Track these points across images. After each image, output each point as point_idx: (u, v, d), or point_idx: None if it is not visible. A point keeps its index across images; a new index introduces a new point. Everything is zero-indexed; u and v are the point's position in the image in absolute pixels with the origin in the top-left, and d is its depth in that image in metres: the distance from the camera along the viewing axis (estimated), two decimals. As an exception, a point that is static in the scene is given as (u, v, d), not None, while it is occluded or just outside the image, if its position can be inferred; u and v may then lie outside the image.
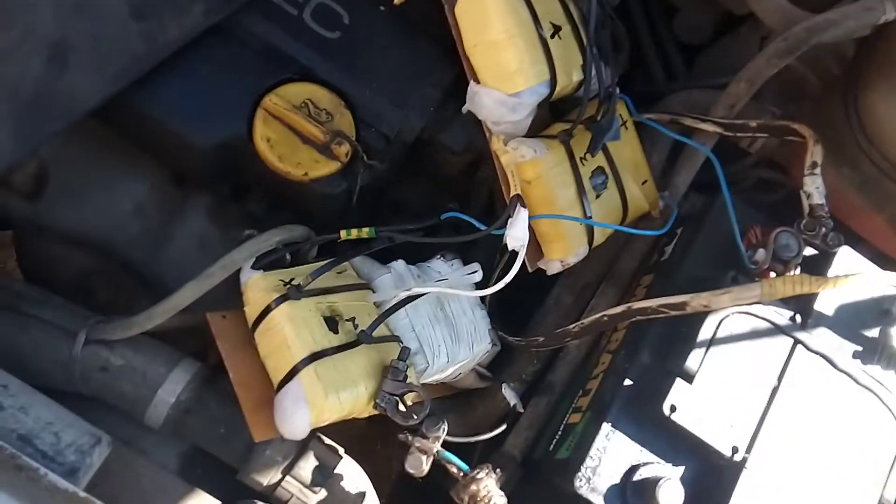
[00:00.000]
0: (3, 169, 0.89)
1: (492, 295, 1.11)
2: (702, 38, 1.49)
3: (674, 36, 1.51)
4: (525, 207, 0.89)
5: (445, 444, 1.06)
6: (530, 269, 1.05)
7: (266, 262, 0.97)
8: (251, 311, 0.94)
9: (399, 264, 1.05)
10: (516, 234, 0.88)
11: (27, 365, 0.95)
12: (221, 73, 1.01)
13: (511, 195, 0.90)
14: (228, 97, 1.01)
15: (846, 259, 1.00)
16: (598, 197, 1.03)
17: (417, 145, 1.12)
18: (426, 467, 0.88)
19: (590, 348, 1.12)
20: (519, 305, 1.18)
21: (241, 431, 0.93)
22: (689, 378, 0.91)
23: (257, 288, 0.94)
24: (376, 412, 0.92)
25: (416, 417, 0.88)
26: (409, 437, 0.89)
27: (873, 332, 1.00)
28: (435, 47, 1.09)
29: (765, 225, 1.00)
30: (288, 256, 1.01)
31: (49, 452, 0.82)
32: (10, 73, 0.90)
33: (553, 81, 0.99)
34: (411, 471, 0.88)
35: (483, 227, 0.93)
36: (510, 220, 0.90)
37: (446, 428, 0.89)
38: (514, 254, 0.92)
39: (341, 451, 0.98)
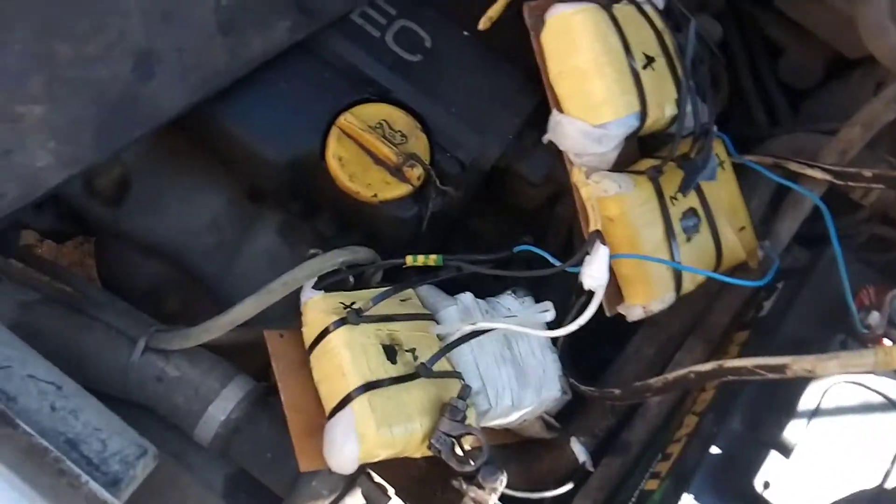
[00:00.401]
0: (82, 169, 0.89)
1: (565, 339, 1.07)
2: (809, 82, 1.41)
3: (777, 78, 1.43)
4: (605, 244, 0.82)
5: (504, 498, 0.99)
6: (608, 314, 0.98)
7: (328, 283, 0.94)
8: (309, 333, 0.90)
9: (467, 297, 1.00)
10: (594, 273, 0.82)
11: (86, 368, 0.94)
12: (300, 90, 1.00)
13: (590, 231, 0.84)
14: (305, 114, 0.99)
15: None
16: (688, 240, 0.96)
17: (495, 174, 1.07)
18: (479, 519, 0.81)
19: (672, 407, 1.03)
20: (595, 354, 1.11)
21: (288, 458, 0.88)
22: (786, 451, 0.81)
23: (317, 309, 0.90)
24: (431, 453, 0.86)
25: (472, 464, 0.82)
26: (464, 485, 0.82)
27: None
28: (518, 75, 1.05)
29: (879, 285, 0.90)
30: (351, 279, 0.97)
31: (94, 459, 0.80)
32: (98, 76, 0.91)
33: (643, 114, 0.93)
34: (464, 524, 0.81)
35: (558, 263, 0.86)
36: (588, 257, 0.84)
37: (505, 480, 0.82)
38: (591, 294, 0.85)
39: (391, 491, 0.92)
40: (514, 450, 1.09)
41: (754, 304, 1.03)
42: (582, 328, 1.10)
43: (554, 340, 1.05)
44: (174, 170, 1.14)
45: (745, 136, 1.18)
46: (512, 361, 0.99)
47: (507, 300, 1.04)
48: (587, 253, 0.83)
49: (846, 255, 0.94)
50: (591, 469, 0.98)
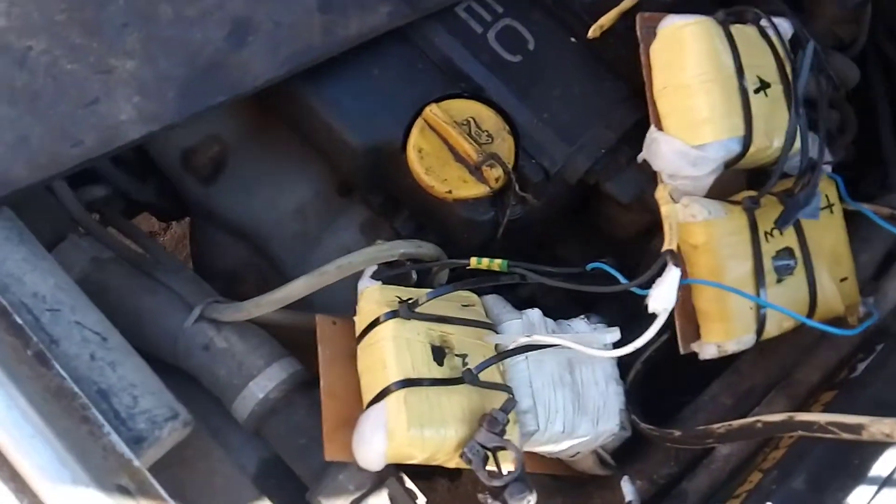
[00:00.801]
0: (161, 127, 0.90)
1: (639, 376, 1.00)
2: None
3: None
4: (678, 266, 0.76)
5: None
6: (682, 350, 0.92)
7: (389, 276, 0.91)
8: (360, 322, 0.88)
9: (534, 313, 0.95)
10: (660, 296, 0.75)
11: (142, 328, 0.94)
12: (392, 77, 0.98)
13: (664, 249, 0.77)
14: (393, 102, 0.97)
15: None
16: (778, 281, 0.88)
17: (585, 194, 1.02)
18: (501, 539, 0.76)
19: (742, 462, 0.94)
20: (674, 398, 1.03)
21: (321, 448, 0.85)
22: (847, 519, 0.72)
23: (371, 299, 0.88)
24: (464, 464, 0.81)
25: (502, 479, 0.76)
26: (489, 500, 0.77)
27: None
28: (622, 89, 1.00)
29: None
30: (414, 275, 0.94)
31: (122, 413, 0.80)
32: (192, 39, 0.92)
33: (747, 140, 0.86)
34: (484, 540, 0.76)
35: (625, 281, 0.80)
36: (659, 279, 0.77)
37: (534, 500, 0.77)
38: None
39: (422, 499, 0.87)
40: (565, 483, 1.03)
41: (849, 365, 0.94)
42: (663, 369, 1.05)
43: (621, 373, 0.98)
44: (269, 155, 1.15)
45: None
46: (571, 386, 0.93)
47: (579, 324, 0.98)
48: (658, 273, 0.76)
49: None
50: (639, 512, 0.90)
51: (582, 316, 0.99)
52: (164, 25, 0.91)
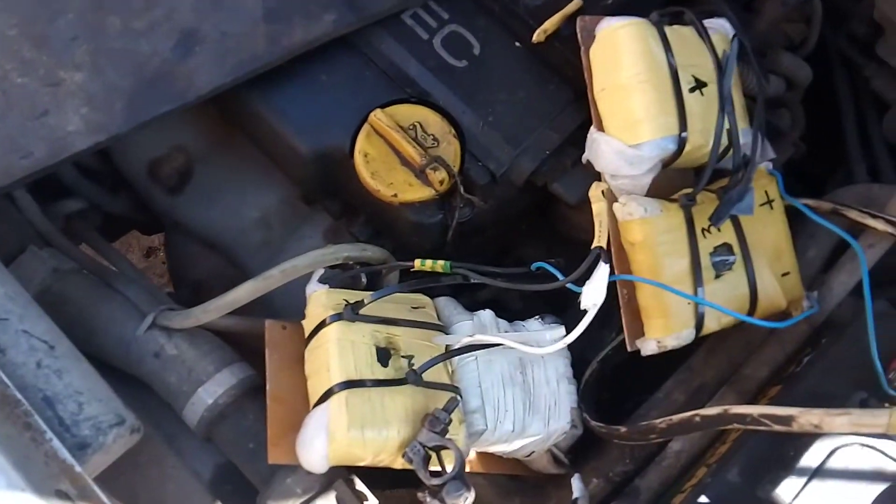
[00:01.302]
0: (107, 138, 0.91)
1: (594, 375, 1.01)
2: (913, 142, 1.29)
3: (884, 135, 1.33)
4: (607, 263, 0.77)
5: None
6: (629, 348, 0.92)
7: (338, 280, 0.92)
8: (307, 326, 0.89)
9: (486, 314, 0.96)
10: (590, 292, 0.77)
11: (97, 337, 0.95)
12: (339, 84, 1.00)
13: (594, 246, 0.79)
14: (340, 108, 0.99)
15: None
16: (717, 277, 0.89)
17: (536, 195, 1.03)
18: (436, 536, 0.77)
19: (693, 458, 0.95)
20: (635, 397, 1.04)
21: (270, 451, 0.86)
22: (776, 509, 0.73)
23: (318, 303, 0.89)
24: (407, 464, 0.82)
25: (440, 478, 0.77)
26: (428, 499, 0.78)
27: None
28: (566, 91, 1.01)
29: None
30: (364, 279, 0.95)
31: (66, 420, 0.81)
32: (140, 50, 0.94)
33: (682, 138, 0.87)
34: (417, 536, 0.77)
35: (562, 278, 0.82)
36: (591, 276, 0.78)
37: (471, 498, 0.78)
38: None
39: (372, 501, 0.88)
40: (523, 483, 1.04)
41: (796, 360, 0.94)
42: (627, 368, 1.06)
43: (576, 375, 0.99)
44: (234, 164, 1.16)
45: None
46: (522, 387, 0.94)
47: (533, 325, 0.99)
48: (590, 270, 0.77)
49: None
50: (586, 510, 0.91)
51: (536, 317, 1.00)
52: (113, 38, 0.93)
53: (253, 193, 1.15)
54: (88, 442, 0.80)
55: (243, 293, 0.90)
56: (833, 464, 0.75)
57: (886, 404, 0.77)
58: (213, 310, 0.91)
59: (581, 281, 0.81)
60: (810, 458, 0.75)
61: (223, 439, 0.91)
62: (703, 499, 0.78)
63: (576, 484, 0.92)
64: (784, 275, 0.92)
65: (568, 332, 0.86)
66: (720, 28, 0.95)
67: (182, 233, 1.22)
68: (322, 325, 0.87)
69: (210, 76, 0.94)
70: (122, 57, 0.93)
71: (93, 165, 1.18)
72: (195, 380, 0.90)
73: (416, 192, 0.95)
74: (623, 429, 0.91)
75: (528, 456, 0.99)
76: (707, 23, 0.93)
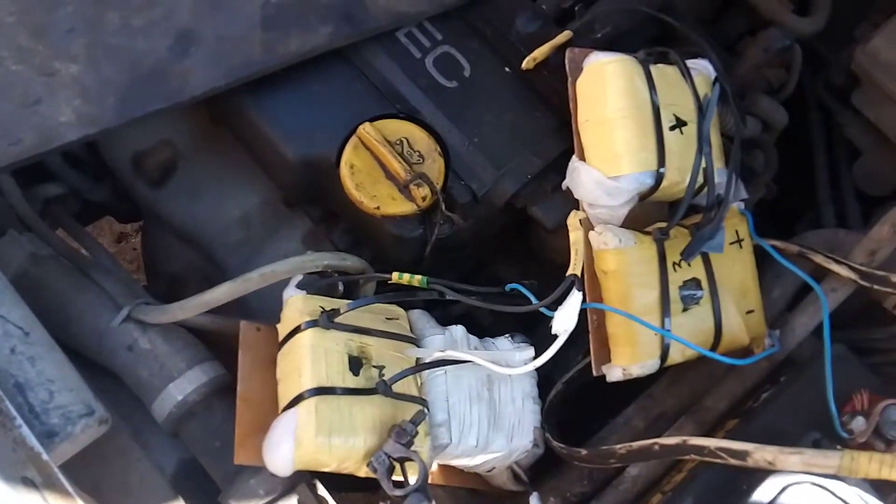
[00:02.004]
0: (98, 131, 0.92)
1: (559, 397, 1.03)
2: (882, 190, 1.33)
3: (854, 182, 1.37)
4: (580, 291, 0.79)
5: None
6: (595, 373, 0.95)
7: (316, 286, 0.93)
8: (282, 330, 0.90)
9: (458, 329, 0.98)
10: (562, 318, 0.79)
11: (71, 326, 0.96)
12: (330, 95, 1.02)
13: (568, 273, 0.81)
14: (330, 119, 1.00)
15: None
16: (684, 310, 0.91)
17: (516, 217, 1.05)
18: (395, 546, 0.78)
19: (650, 484, 0.98)
20: (602, 421, 1.07)
21: (236, 451, 0.87)
22: (726, 541, 0.76)
23: (294, 308, 0.90)
24: (371, 473, 0.84)
25: (403, 490, 0.79)
26: (389, 508, 0.80)
27: None
28: (551, 119, 1.04)
29: (878, 393, 0.84)
30: (341, 287, 0.97)
31: (36, 408, 0.81)
32: (136, 47, 0.95)
33: (660, 174, 0.90)
34: (377, 545, 0.79)
35: (535, 301, 0.84)
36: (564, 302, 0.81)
37: (432, 510, 0.79)
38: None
39: (333, 505, 0.90)
40: (483, 498, 1.06)
41: (755, 396, 0.97)
42: (584, 391, 1.08)
43: (541, 394, 1.02)
44: (219, 162, 1.17)
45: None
46: (489, 403, 0.96)
47: (503, 343, 1.01)
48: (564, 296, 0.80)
49: (854, 358, 0.88)
50: (542, 528, 0.93)
51: (506, 335, 1.02)
52: (110, 33, 0.94)
53: (235, 193, 1.17)
54: (57, 431, 0.80)
55: (221, 294, 0.91)
56: (784, 500, 0.78)
57: (839, 446, 0.79)
58: (190, 308, 0.92)
59: (554, 306, 0.83)
60: (762, 494, 0.78)
61: (190, 436, 0.92)
62: (657, 526, 0.80)
63: (534, 502, 0.94)
64: (749, 312, 0.95)
65: (537, 352, 0.88)
66: (703, 69, 0.98)
67: (161, 226, 1.22)
68: (297, 330, 0.88)
69: (205, 78, 0.95)
70: (118, 52, 0.94)
71: (77, 153, 1.19)
72: (166, 375, 0.91)
73: (399, 207, 0.97)
74: (583, 451, 0.93)
75: (489, 471, 1.01)
76: (690, 63, 0.97)
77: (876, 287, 0.94)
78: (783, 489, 0.78)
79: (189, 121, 1.17)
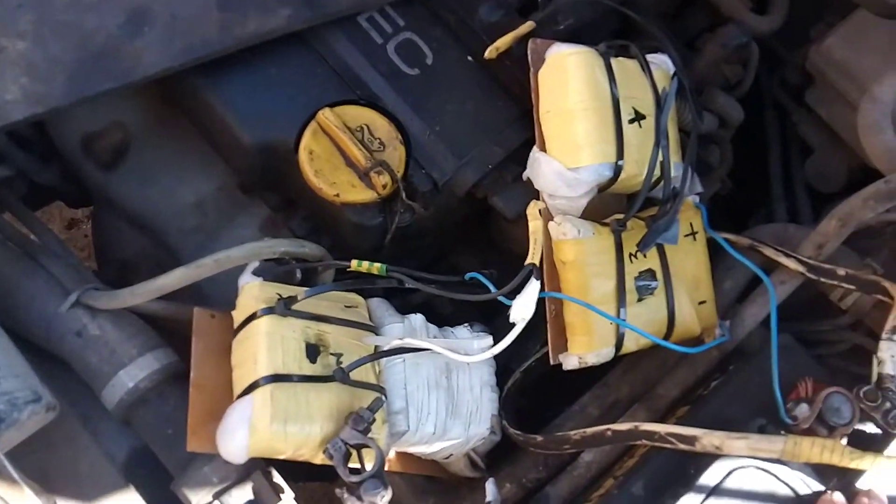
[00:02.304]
0: (45, 110, 0.89)
1: (516, 385, 1.04)
2: (832, 187, 1.36)
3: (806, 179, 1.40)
4: (538, 280, 0.80)
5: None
6: (552, 361, 0.96)
7: (273, 273, 0.92)
8: (237, 317, 0.89)
9: (417, 318, 0.98)
10: (519, 307, 0.79)
11: (16, 310, 0.93)
12: (289, 79, 1.00)
13: (527, 263, 0.81)
14: (288, 103, 0.99)
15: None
16: (639, 300, 0.93)
17: (476, 206, 1.05)
18: (350, 532, 0.78)
19: (603, 469, 0.99)
20: (558, 409, 1.08)
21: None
22: (673, 524, 0.77)
23: (250, 294, 0.89)
24: (327, 460, 0.83)
25: (359, 476, 0.79)
26: (345, 495, 0.79)
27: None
28: (513, 109, 1.04)
29: (822, 381, 0.86)
30: (299, 274, 0.96)
31: (-19, 394, 0.79)
32: (86, 24, 0.93)
33: (618, 166, 0.91)
34: (333, 531, 0.78)
35: (493, 290, 0.84)
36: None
37: (388, 497, 0.79)
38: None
39: (288, 494, 0.89)
40: (439, 485, 1.06)
41: (705, 384, 0.99)
42: (541, 380, 1.09)
43: (499, 383, 1.02)
44: (173, 146, 1.15)
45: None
46: (447, 391, 0.96)
47: (462, 332, 1.02)
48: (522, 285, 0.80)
49: (799, 348, 0.90)
50: (498, 514, 0.94)
51: (465, 325, 1.02)
52: (59, 9, 0.91)
53: (190, 178, 1.14)
54: (2, 417, 0.79)
55: (173, 279, 0.89)
56: (730, 484, 0.80)
57: (783, 432, 0.82)
58: (141, 293, 0.90)
59: (512, 295, 0.84)
60: (709, 477, 0.80)
61: (141, 423, 0.90)
62: (610, 511, 0.81)
63: (490, 488, 0.95)
64: (701, 303, 0.97)
65: (495, 341, 0.88)
66: (662, 64, 1.00)
67: (112, 210, 1.20)
68: (253, 317, 0.87)
69: (157, 58, 0.93)
70: (67, 29, 0.91)
71: (24, 133, 1.15)
72: (117, 362, 0.90)
73: (359, 194, 0.96)
74: (539, 438, 0.94)
75: (447, 458, 1.01)
76: (650, 58, 0.98)
77: (822, 280, 0.97)
78: (729, 473, 0.80)
79: (142, 102, 1.14)
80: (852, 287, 0.95)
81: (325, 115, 0.97)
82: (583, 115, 0.91)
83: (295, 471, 0.91)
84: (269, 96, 0.99)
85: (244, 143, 0.99)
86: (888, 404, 0.81)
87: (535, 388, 1.10)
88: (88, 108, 1.09)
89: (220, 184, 1.14)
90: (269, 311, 0.86)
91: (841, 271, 0.94)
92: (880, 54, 1.13)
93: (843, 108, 1.23)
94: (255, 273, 0.92)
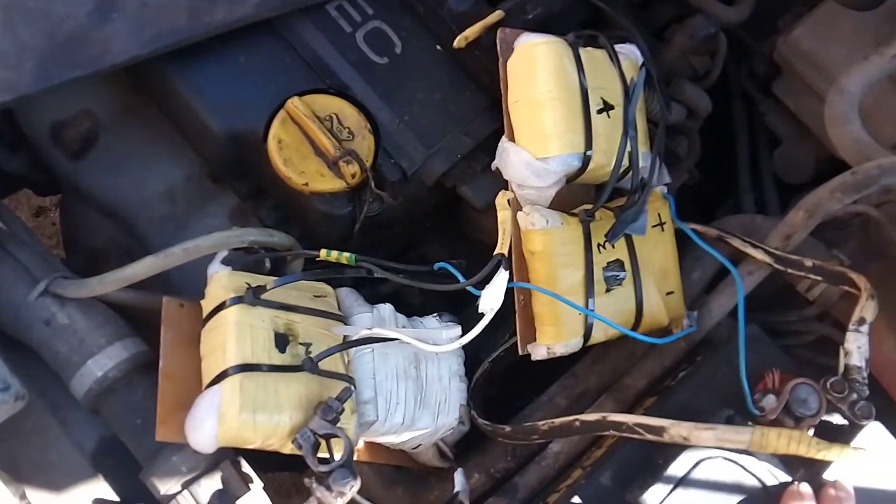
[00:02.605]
0: (14, 98, 0.88)
1: (485, 375, 1.04)
2: (799, 178, 1.38)
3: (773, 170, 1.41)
4: (507, 270, 0.80)
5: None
6: (521, 351, 0.96)
7: (241, 263, 0.92)
8: (206, 306, 0.89)
9: (386, 308, 0.98)
10: (488, 296, 0.80)
11: (-16, 299, 0.92)
12: (258, 67, 1.00)
13: (495, 252, 0.82)
14: (257, 92, 0.99)
15: (874, 437, 0.85)
16: (608, 291, 0.93)
17: (445, 196, 1.06)
18: (318, 522, 0.78)
19: (571, 459, 1.00)
20: (527, 399, 1.08)
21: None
22: (640, 513, 0.78)
23: (219, 284, 0.89)
24: (296, 450, 0.83)
25: (328, 465, 0.79)
26: (314, 485, 0.80)
27: (889, 532, 0.84)
28: (482, 99, 1.04)
29: (789, 372, 0.87)
30: (268, 264, 0.96)
31: (-50, 383, 0.78)
32: (55, 12, 0.92)
33: (586, 157, 0.91)
34: (301, 521, 0.79)
35: (462, 280, 0.85)
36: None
37: (357, 486, 0.80)
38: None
39: (257, 483, 0.89)
40: (408, 475, 1.07)
41: (673, 374, 1.00)
42: (510, 370, 1.10)
43: (468, 374, 1.03)
44: (142, 134, 1.14)
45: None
46: (416, 381, 0.97)
47: (431, 322, 1.02)
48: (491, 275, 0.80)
49: (767, 339, 0.91)
50: (466, 502, 0.95)
51: (434, 315, 1.03)
52: (27, -4, 0.90)
53: (159, 166, 1.14)
54: (-29, 407, 0.78)
55: (142, 268, 0.89)
56: (697, 474, 0.80)
57: (750, 423, 0.82)
58: (111, 282, 0.90)
59: (481, 285, 0.84)
60: (677, 468, 0.80)
61: (110, 413, 0.90)
62: (576, 499, 0.82)
63: (458, 478, 0.96)
64: (668, 293, 0.98)
65: (464, 331, 0.89)
66: (630, 54, 1.00)
67: (80, 199, 1.19)
68: (222, 306, 0.87)
69: (126, 45, 0.92)
70: (35, 16, 0.90)
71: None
72: (86, 351, 0.89)
73: (328, 183, 0.96)
74: (507, 428, 0.95)
75: (415, 448, 1.02)
76: (619, 48, 0.98)
77: (790, 271, 0.98)
78: (697, 463, 0.81)
79: (111, 91, 1.14)
80: (819, 278, 0.96)
81: (294, 103, 0.96)
82: (551, 104, 0.91)
83: (264, 461, 0.92)
84: (238, 85, 0.99)
85: (213, 131, 0.98)
86: (855, 395, 0.83)
87: (503, 378, 1.10)
88: (57, 97, 1.08)
89: (190, 173, 1.13)
90: (238, 300, 0.86)
91: (808, 262, 0.95)
92: (847, 45, 1.15)
93: (811, 99, 1.25)
94: (224, 262, 0.92)
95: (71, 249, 1.27)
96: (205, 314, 0.89)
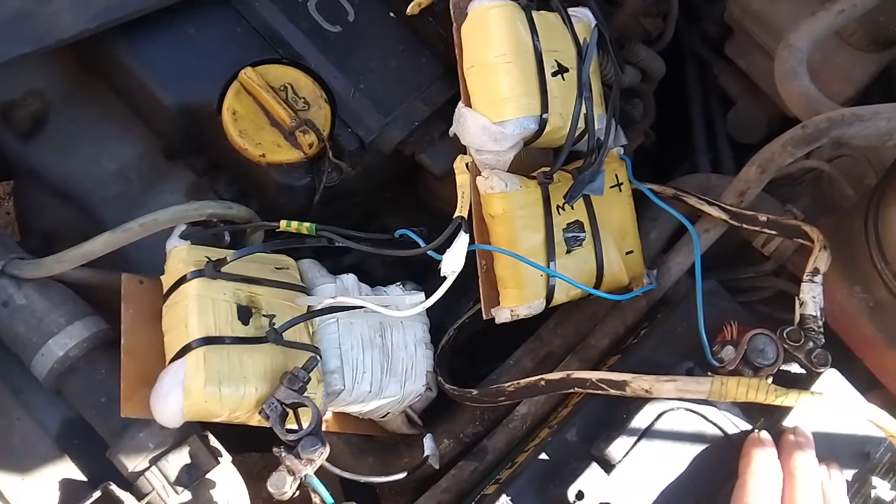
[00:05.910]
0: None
1: (450, 342, 1.05)
2: (753, 138, 1.40)
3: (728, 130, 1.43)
4: (467, 233, 0.80)
5: (349, 484, 0.97)
6: (485, 316, 0.97)
7: (200, 236, 0.91)
8: (166, 281, 0.88)
9: (349, 278, 0.98)
10: (449, 260, 0.80)
11: (-62, 285, 0.90)
12: (209, 38, 0.98)
13: (455, 216, 0.82)
14: (209, 63, 0.97)
15: (831, 383, 0.87)
16: (568, 252, 0.94)
17: (403, 165, 1.06)
18: (289, 490, 0.79)
19: (539, 420, 1.01)
20: (492, 365, 1.09)
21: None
22: (607, 467, 0.80)
23: (178, 258, 0.88)
24: (264, 420, 0.83)
25: (296, 434, 0.79)
26: (283, 454, 0.80)
27: (846, 475, 0.87)
28: (437, 65, 1.04)
29: (747, 324, 0.89)
30: (227, 237, 0.95)
31: None
32: (-3, -11, 0.89)
33: (543, 119, 0.92)
34: (272, 490, 0.79)
35: (423, 245, 0.85)
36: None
37: (326, 453, 0.80)
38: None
39: (226, 457, 0.89)
40: (378, 444, 1.07)
41: (635, 332, 1.02)
42: (475, 337, 1.10)
43: (433, 339, 1.03)
44: (93, 113, 1.12)
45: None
46: (381, 350, 0.97)
47: (394, 290, 1.02)
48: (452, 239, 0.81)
49: (723, 293, 0.93)
50: (436, 466, 0.96)
51: (398, 283, 1.03)
52: (-31, -28, 0.88)
53: (112, 145, 1.12)
54: (-69, 391, 0.77)
55: (99, 245, 0.88)
56: (660, 426, 0.82)
57: (710, 373, 0.84)
58: (67, 260, 0.88)
59: (442, 249, 0.84)
60: (640, 420, 0.82)
61: (73, 392, 0.89)
62: (542, 456, 0.83)
63: (427, 443, 0.96)
64: (628, 253, 0.99)
65: (427, 297, 0.89)
66: (583, 17, 1.00)
67: (33, 181, 1.16)
68: (182, 280, 0.86)
69: (73, 20, 0.90)
70: (-26, -7, 0.88)
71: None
72: (45, 331, 0.88)
73: (285, 154, 0.95)
74: (474, 391, 0.96)
75: (384, 417, 1.02)
76: (571, 11, 0.98)
77: (745, 226, 1.00)
78: (659, 415, 0.82)
79: (60, 69, 1.11)
80: (774, 232, 0.98)
81: (248, 74, 0.95)
82: (505, 68, 0.91)
83: (233, 442, 0.92)
84: (189, 57, 0.98)
85: (165, 105, 0.97)
86: (811, 344, 0.85)
87: (469, 345, 1.11)
88: (5, 77, 1.06)
89: (143, 150, 1.11)
90: (199, 273, 0.86)
91: (763, 217, 0.97)
92: (795, 3, 1.16)
93: (762, 59, 1.27)
94: (183, 237, 0.91)
95: (26, 232, 1.24)
96: (165, 289, 0.88)
